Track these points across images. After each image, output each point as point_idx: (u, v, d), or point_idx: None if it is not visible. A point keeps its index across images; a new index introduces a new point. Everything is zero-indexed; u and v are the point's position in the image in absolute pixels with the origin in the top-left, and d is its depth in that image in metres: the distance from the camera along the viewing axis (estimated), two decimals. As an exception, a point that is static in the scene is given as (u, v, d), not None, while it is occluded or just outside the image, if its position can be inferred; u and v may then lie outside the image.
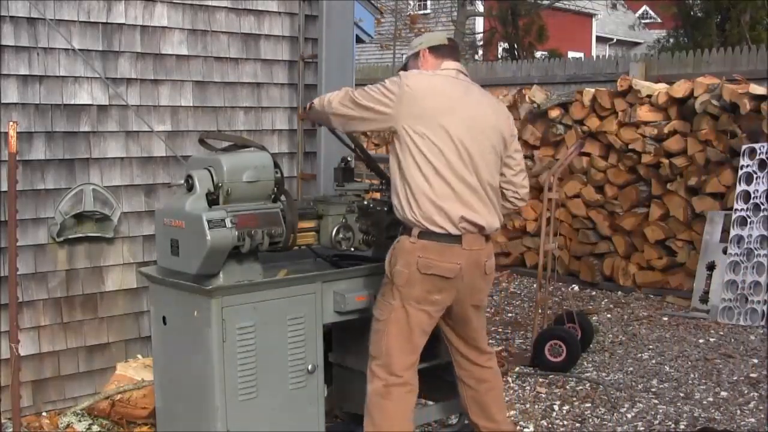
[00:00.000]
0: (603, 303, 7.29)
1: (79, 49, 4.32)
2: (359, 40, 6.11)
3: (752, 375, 5.29)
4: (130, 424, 4.25)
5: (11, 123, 3.76)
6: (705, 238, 6.96)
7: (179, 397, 3.48)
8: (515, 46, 18.69)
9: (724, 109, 7.00)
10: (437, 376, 3.84)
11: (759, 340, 6.06)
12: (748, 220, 6.69)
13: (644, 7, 32.57)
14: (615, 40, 33.37)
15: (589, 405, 4.79)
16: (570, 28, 27.07)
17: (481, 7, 22.46)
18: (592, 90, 7.95)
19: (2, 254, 4.12)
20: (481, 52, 20.93)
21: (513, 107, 8.41)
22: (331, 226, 3.57)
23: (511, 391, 5.01)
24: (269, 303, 3.38)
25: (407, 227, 3.32)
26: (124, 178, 4.55)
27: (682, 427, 4.49)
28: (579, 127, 7.90)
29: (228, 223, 3.16)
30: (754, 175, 6.71)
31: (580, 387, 5.09)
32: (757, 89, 6.89)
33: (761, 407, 4.74)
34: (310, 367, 3.51)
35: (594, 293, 7.61)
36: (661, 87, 7.52)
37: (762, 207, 6.65)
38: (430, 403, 4.05)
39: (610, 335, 6.25)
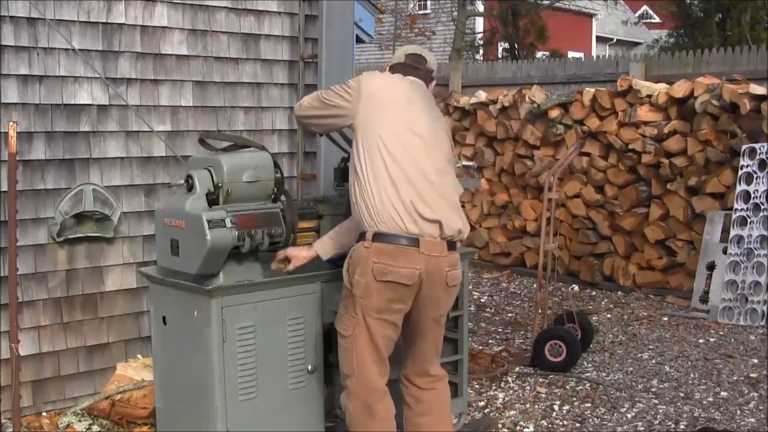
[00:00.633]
0: (603, 303, 7.29)
1: (79, 49, 4.32)
2: (359, 40, 6.11)
3: (752, 375, 5.29)
4: (130, 424, 4.25)
5: (11, 123, 3.76)
6: (705, 238, 6.96)
7: (179, 397, 3.48)
8: (515, 46, 18.69)
9: (724, 109, 7.00)
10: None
11: (759, 340, 6.06)
12: (748, 220, 6.69)
13: (644, 7, 32.57)
14: (615, 40, 33.36)
15: (589, 405, 4.79)
16: (570, 28, 27.07)
17: (481, 7, 22.45)
18: (592, 90, 7.95)
19: (2, 254, 4.12)
20: (481, 52, 20.93)
21: (513, 107, 8.41)
22: (331, 226, 3.57)
23: (511, 391, 5.01)
24: (269, 303, 3.38)
25: (362, 233, 3.19)
26: (124, 178, 4.55)
27: (682, 427, 4.49)
28: (579, 127, 7.90)
29: (228, 223, 3.16)
30: (754, 175, 6.71)
31: (580, 387, 5.09)
32: (757, 89, 6.89)
33: (761, 407, 4.74)
34: (310, 367, 3.52)
35: (594, 293, 7.61)
36: (661, 87, 7.52)
37: (762, 207, 6.65)
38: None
39: (610, 335, 6.25)
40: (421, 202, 3.15)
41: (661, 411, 4.69)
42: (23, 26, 4.17)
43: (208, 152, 3.50)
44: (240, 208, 3.25)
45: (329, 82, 4.87)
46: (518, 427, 4.45)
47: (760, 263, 6.55)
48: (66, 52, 4.30)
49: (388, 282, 3.14)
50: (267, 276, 3.40)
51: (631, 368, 5.45)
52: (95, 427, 4.23)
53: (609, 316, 6.84)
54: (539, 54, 18.82)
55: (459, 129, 8.89)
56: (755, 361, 5.59)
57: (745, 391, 5.00)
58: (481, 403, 4.79)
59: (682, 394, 4.96)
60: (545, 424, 4.52)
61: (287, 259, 3.36)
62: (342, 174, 3.78)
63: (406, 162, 3.17)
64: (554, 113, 8.07)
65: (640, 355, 5.76)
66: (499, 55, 20.17)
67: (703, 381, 5.20)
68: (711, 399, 4.89)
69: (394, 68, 3.45)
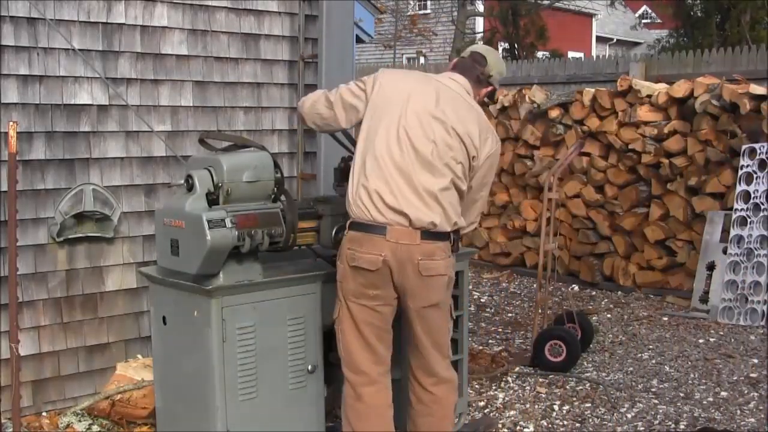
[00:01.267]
0: (603, 303, 7.29)
1: (79, 49, 4.32)
2: (359, 40, 6.11)
3: (752, 375, 5.29)
4: (130, 424, 4.25)
5: (11, 123, 3.76)
6: (705, 238, 6.96)
7: (179, 397, 3.48)
8: (515, 46, 18.69)
9: (724, 109, 7.00)
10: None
11: (759, 340, 6.06)
12: (748, 220, 6.69)
13: (644, 7, 32.58)
14: (615, 40, 33.38)
15: (589, 405, 4.79)
16: (570, 28, 27.07)
17: (481, 7, 22.46)
18: (592, 90, 7.95)
19: (2, 254, 4.12)
20: (481, 52, 20.88)
21: (513, 107, 8.41)
22: (331, 226, 3.57)
23: (511, 391, 5.01)
24: (269, 303, 3.38)
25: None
26: (124, 178, 4.55)
27: (682, 427, 4.49)
28: (579, 127, 7.90)
29: (228, 223, 3.16)
30: (754, 175, 6.71)
31: (580, 387, 5.09)
32: (757, 89, 6.89)
33: (761, 407, 4.74)
34: (310, 367, 3.52)
35: (594, 293, 7.61)
36: (661, 87, 7.52)
37: (762, 207, 6.65)
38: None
39: (610, 335, 6.25)
40: (388, 192, 3.18)
41: (661, 411, 4.69)
42: (23, 26, 4.17)
43: (208, 152, 3.49)
44: (240, 208, 3.25)
45: (329, 82, 4.89)
46: (518, 427, 4.45)
47: (760, 263, 6.55)
48: (66, 52, 4.30)
49: (356, 267, 3.23)
50: (267, 276, 3.40)
51: (631, 368, 5.45)
52: (95, 427, 4.23)
53: (609, 316, 6.84)
54: (539, 54, 18.83)
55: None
56: (755, 361, 5.59)
57: (745, 391, 5.00)
58: (481, 403, 4.79)
59: (682, 394, 4.96)
60: (545, 424, 4.52)
61: None
62: (342, 174, 3.77)
63: (383, 156, 3.20)
64: (554, 113, 8.07)
65: (640, 355, 5.76)
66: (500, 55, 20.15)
67: (703, 381, 5.20)
68: (711, 399, 4.89)
69: (457, 63, 3.50)
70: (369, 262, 3.20)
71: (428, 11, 25.00)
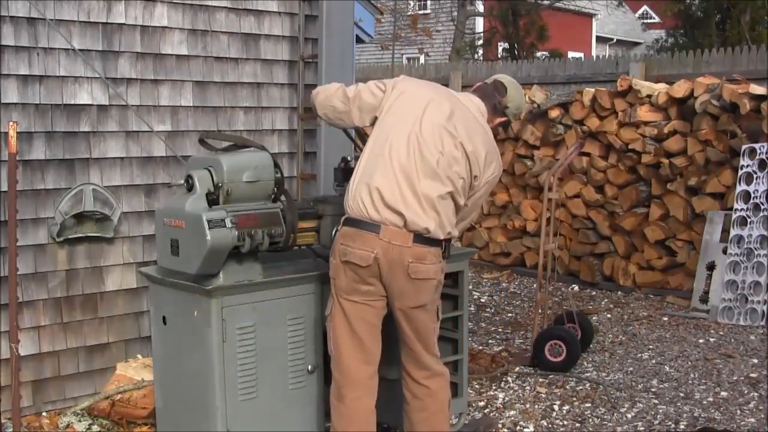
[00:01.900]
0: (603, 303, 7.29)
1: (79, 49, 4.32)
2: (359, 40, 6.10)
3: (752, 375, 5.29)
4: (130, 424, 4.25)
5: (11, 123, 3.76)
6: (705, 238, 6.96)
7: (179, 397, 3.48)
8: (515, 46, 18.69)
9: (724, 109, 7.00)
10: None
11: (759, 340, 6.06)
12: (748, 220, 6.69)
13: (644, 7, 32.58)
14: (615, 40, 33.37)
15: (589, 405, 4.79)
16: (570, 28, 27.08)
17: (481, 7, 22.46)
18: (592, 90, 7.95)
19: (2, 254, 4.12)
20: (481, 52, 20.93)
21: (513, 107, 8.40)
22: (331, 226, 3.57)
23: (511, 391, 5.01)
24: (269, 303, 3.38)
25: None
26: (124, 178, 4.55)
27: (682, 427, 4.49)
28: (579, 127, 7.90)
29: (228, 223, 3.16)
30: (754, 175, 6.71)
31: (580, 387, 5.09)
32: (757, 89, 6.89)
33: (761, 407, 4.74)
34: (310, 367, 3.52)
35: (594, 293, 7.61)
36: (661, 87, 7.52)
37: (762, 207, 6.65)
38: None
39: (610, 335, 6.25)
40: (388, 191, 3.21)
41: (661, 411, 4.69)
42: (23, 26, 4.17)
43: (208, 152, 3.50)
44: (240, 208, 3.25)
45: (329, 82, 4.86)
46: (518, 427, 4.45)
47: (760, 263, 6.54)
48: (66, 52, 4.30)
49: (347, 262, 3.25)
50: (267, 276, 3.40)
51: (631, 368, 5.45)
52: (95, 427, 4.23)
53: (609, 316, 6.84)
54: (539, 54, 18.82)
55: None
56: (755, 361, 5.59)
57: (745, 391, 5.00)
58: (481, 403, 4.79)
59: (682, 394, 4.96)
60: (545, 424, 4.52)
61: None
62: (342, 174, 3.78)
63: (390, 157, 3.23)
64: (554, 113, 8.07)
65: (640, 355, 5.76)
66: (499, 55, 20.17)
67: (703, 381, 5.20)
68: (711, 399, 4.89)
69: (479, 86, 3.58)
70: (360, 258, 3.22)
71: (428, 11, 25.00)
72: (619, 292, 7.53)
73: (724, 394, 4.97)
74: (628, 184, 7.62)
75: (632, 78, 7.97)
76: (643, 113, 7.44)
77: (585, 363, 5.54)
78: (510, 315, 6.95)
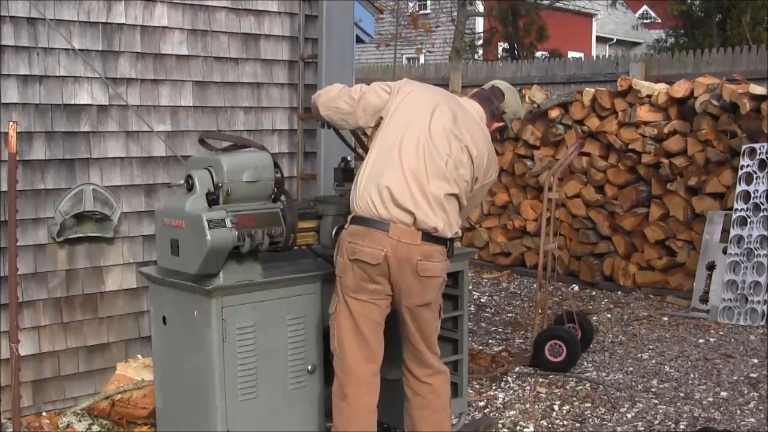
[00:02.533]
0: (603, 303, 7.29)
1: (79, 49, 4.32)
2: (359, 40, 6.11)
3: (752, 375, 5.29)
4: (130, 424, 4.25)
5: (11, 123, 3.76)
6: (705, 238, 6.96)
7: (179, 397, 3.48)
8: (515, 46, 18.69)
9: (724, 109, 7.00)
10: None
11: (759, 340, 6.06)
12: (748, 220, 6.69)
13: (644, 7, 32.58)
14: (615, 40, 33.38)
15: (589, 405, 4.79)
16: (570, 28, 27.08)
17: (481, 7, 22.47)
18: (592, 90, 7.95)
19: (2, 254, 4.12)
20: (481, 52, 20.94)
21: (513, 107, 8.40)
22: (331, 226, 3.57)
23: (511, 391, 5.01)
24: (269, 303, 3.38)
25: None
26: (124, 178, 4.55)
27: (682, 427, 4.49)
28: (579, 127, 7.90)
29: (228, 223, 3.16)
30: (754, 175, 6.71)
31: (580, 387, 5.09)
32: (757, 89, 6.89)
33: (761, 407, 4.74)
34: (310, 367, 3.52)
35: (594, 293, 7.61)
36: (661, 87, 7.52)
37: (762, 207, 6.65)
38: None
39: (610, 335, 6.25)
40: (398, 190, 3.23)
41: (661, 411, 4.69)
42: (23, 26, 4.17)
43: (208, 152, 3.50)
44: (240, 208, 3.25)
45: (329, 82, 4.86)
46: (518, 427, 4.45)
47: (760, 263, 6.55)
48: (66, 52, 4.30)
49: (356, 260, 3.25)
50: (267, 276, 3.40)
51: (631, 368, 5.45)
52: (95, 427, 4.23)
53: (609, 316, 6.84)
54: (539, 54, 18.83)
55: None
56: (755, 361, 5.59)
57: (745, 391, 5.00)
58: (481, 403, 4.79)
59: (682, 394, 4.96)
60: (545, 424, 4.52)
61: None
62: (342, 174, 3.78)
63: (400, 159, 3.26)
64: (554, 113, 8.07)
65: (640, 355, 5.76)
66: (499, 55, 20.17)
67: (703, 381, 5.20)
68: (711, 399, 4.89)
69: (477, 92, 3.62)
70: (370, 256, 3.23)
71: (428, 11, 25.00)
72: (619, 292, 7.54)
73: (724, 394, 4.97)
74: (628, 184, 7.62)
75: (632, 78, 7.98)
76: (643, 113, 7.44)
77: (585, 363, 5.54)
78: (510, 315, 6.95)
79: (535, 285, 7.06)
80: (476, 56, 20.40)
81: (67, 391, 4.45)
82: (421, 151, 3.26)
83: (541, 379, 5.19)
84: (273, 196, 3.40)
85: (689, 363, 5.57)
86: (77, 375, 4.48)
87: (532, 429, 4.44)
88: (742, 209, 6.73)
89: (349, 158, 3.85)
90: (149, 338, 3.92)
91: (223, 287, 3.23)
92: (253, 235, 3.23)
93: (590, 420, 4.58)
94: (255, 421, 3.35)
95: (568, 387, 5.09)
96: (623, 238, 7.58)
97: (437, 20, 22.89)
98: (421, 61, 22.82)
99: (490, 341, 6.13)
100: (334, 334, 3.36)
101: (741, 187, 6.76)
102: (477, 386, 5.04)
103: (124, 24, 4.49)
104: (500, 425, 4.47)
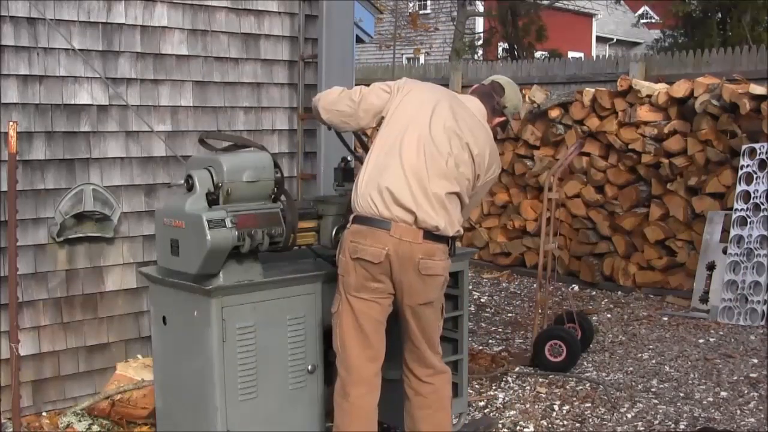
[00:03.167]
0: (603, 303, 7.29)
1: (79, 49, 4.32)
2: (359, 40, 6.11)
3: (752, 375, 5.29)
4: (130, 424, 4.25)
5: (11, 123, 3.76)
6: (705, 238, 6.96)
7: (179, 397, 3.48)
8: (515, 46, 18.68)
9: (724, 109, 7.00)
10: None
11: (759, 340, 6.06)
12: (748, 220, 6.69)
13: (644, 7, 32.58)
14: (615, 40, 33.38)
15: (589, 405, 4.79)
16: (570, 28, 27.08)
17: (481, 7, 22.47)
18: (592, 90, 7.95)
19: (2, 254, 4.12)
20: (481, 52, 20.94)
21: (513, 107, 8.40)
22: (331, 226, 3.57)
23: (511, 391, 5.01)
24: (269, 303, 3.38)
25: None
26: (124, 178, 4.55)
27: (682, 427, 4.49)
28: (579, 127, 7.90)
29: (228, 223, 3.16)
30: (754, 175, 6.71)
31: (580, 387, 5.09)
32: (757, 89, 6.89)
33: (761, 407, 4.74)
34: (310, 367, 3.52)
35: (594, 293, 7.61)
36: (661, 87, 7.52)
37: (762, 207, 6.65)
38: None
39: (610, 335, 6.25)
40: (399, 190, 3.23)
41: (661, 411, 4.69)
42: (23, 26, 4.17)
43: (208, 152, 3.49)
44: (240, 208, 3.25)
45: (329, 82, 4.88)
46: (518, 427, 4.45)
47: (760, 263, 6.55)
48: (66, 52, 4.30)
49: (358, 259, 3.26)
50: (267, 276, 3.40)
51: (631, 368, 5.45)
52: (95, 427, 4.23)
53: (609, 316, 6.84)
54: (539, 54, 18.83)
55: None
56: (755, 361, 5.59)
57: (745, 391, 5.00)
58: (481, 403, 4.79)
59: (682, 394, 4.96)
60: (545, 424, 4.52)
61: None
62: (342, 174, 3.78)
63: (400, 158, 3.26)
64: (554, 113, 8.07)
65: (640, 355, 5.76)
66: (499, 55, 20.17)
67: (703, 381, 5.20)
68: (711, 399, 4.89)
69: (476, 88, 3.63)
70: (372, 255, 3.23)
71: (428, 11, 25.00)
72: (619, 292, 7.54)
73: (724, 394, 4.97)
74: (628, 184, 7.62)
75: (632, 78, 7.98)
76: (643, 113, 7.44)
77: (585, 363, 5.54)
78: (510, 315, 6.95)
79: (535, 285, 7.06)
80: (476, 56, 20.40)
81: (67, 391, 4.44)
82: (421, 149, 3.27)
83: (541, 379, 5.19)
84: (273, 196, 3.40)
85: (689, 363, 5.57)
86: (77, 375, 4.47)
87: (532, 429, 4.44)
88: (742, 209, 6.73)
89: (349, 158, 3.85)
90: (149, 338, 3.92)
91: (223, 287, 3.23)
92: (253, 235, 3.23)
93: (590, 420, 4.58)
94: (255, 421, 3.35)
95: (568, 387, 5.09)
96: (623, 238, 7.58)
97: (437, 20, 22.89)
98: (421, 61, 22.83)
99: (490, 341, 6.13)
100: (337, 333, 3.37)
101: (741, 187, 6.76)
102: (477, 386, 5.04)
103: (124, 24, 4.49)
104: (500, 425, 4.47)
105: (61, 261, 4.37)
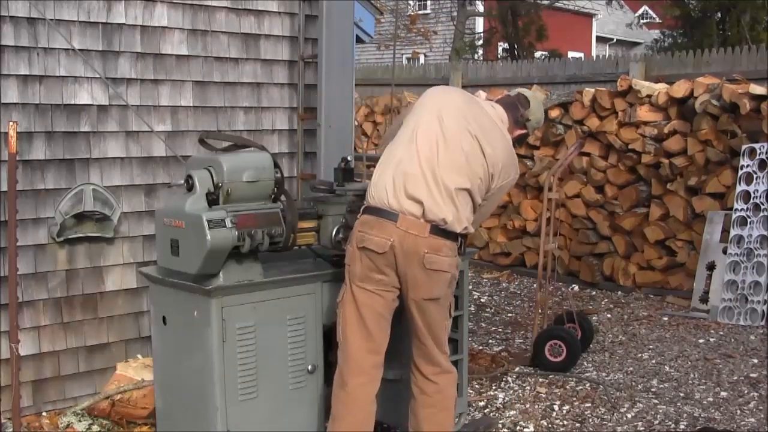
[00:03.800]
0: (603, 303, 7.29)
1: (79, 49, 4.32)
2: (359, 40, 6.10)
3: (752, 375, 5.29)
4: (130, 424, 4.25)
5: (11, 123, 3.76)
6: (705, 238, 6.96)
7: (179, 397, 3.48)
8: (515, 46, 18.67)
9: (724, 109, 7.00)
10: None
11: (759, 340, 6.06)
12: (748, 220, 6.69)
13: (644, 7, 32.57)
14: (615, 40, 33.38)
15: (589, 405, 4.79)
16: (570, 28, 27.07)
17: (481, 7, 22.45)
18: (592, 90, 7.95)
19: (2, 254, 4.12)
20: (481, 52, 20.93)
21: (513, 107, 8.40)
22: (331, 226, 3.58)
23: (511, 391, 5.01)
24: (269, 303, 3.38)
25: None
26: (124, 178, 4.54)
27: (682, 427, 4.49)
28: (579, 127, 7.90)
29: (228, 223, 3.16)
30: (754, 175, 6.71)
31: (580, 387, 5.09)
32: (757, 89, 6.89)
33: (761, 407, 4.74)
34: (310, 367, 3.52)
35: (594, 293, 7.61)
36: (661, 87, 7.52)
37: (762, 207, 6.65)
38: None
39: (610, 335, 6.25)
40: (412, 179, 3.29)
41: (661, 411, 4.69)
42: (23, 26, 4.17)
43: (208, 152, 3.49)
44: (240, 208, 3.25)
45: (329, 82, 4.89)
46: (518, 427, 4.45)
47: (760, 263, 6.55)
48: (66, 52, 4.30)
49: (364, 249, 3.29)
50: (267, 276, 3.40)
51: (631, 368, 5.45)
52: (95, 427, 4.23)
53: (609, 316, 6.84)
54: (539, 54, 18.81)
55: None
56: (755, 361, 5.59)
57: (745, 391, 5.00)
58: (481, 403, 4.79)
59: (682, 394, 4.96)
60: (545, 424, 4.52)
61: None
62: (342, 174, 3.78)
63: (416, 151, 3.32)
64: (554, 113, 8.07)
65: (640, 355, 5.76)
66: (499, 55, 20.16)
67: (703, 381, 5.20)
68: (711, 399, 4.89)
69: (502, 98, 3.74)
70: (377, 245, 3.26)
71: (428, 11, 25.00)
72: (619, 292, 7.54)
73: (724, 394, 4.97)
74: (628, 184, 7.62)
75: (632, 78, 7.98)
76: (643, 113, 7.44)
77: (585, 363, 5.54)
78: (510, 315, 6.95)
79: (535, 285, 7.06)
80: (476, 56, 20.39)
81: (67, 391, 4.44)
82: (435, 144, 3.32)
83: (541, 379, 5.19)
84: (273, 196, 3.40)
85: (689, 363, 5.57)
86: (77, 375, 4.47)
87: (532, 429, 4.44)
88: (742, 209, 6.73)
89: (349, 158, 3.85)
90: (149, 338, 3.92)
91: (223, 287, 3.23)
92: (253, 235, 3.23)
93: (590, 420, 4.58)
94: (255, 421, 3.35)
95: (568, 387, 5.09)
96: (623, 238, 7.58)
97: (437, 20, 22.89)
98: (421, 61, 22.82)
99: (490, 341, 6.13)
100: (340, 322, 3.39)
101: (741, 187, 6.76)
102: (477, 386, 5.04)
103: (124, 24, 4.49)
104: (500, 425, 4.47)
105: (61, 261, 4.37)
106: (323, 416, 3.58)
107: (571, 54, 21.12)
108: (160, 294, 3.48)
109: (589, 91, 7.90)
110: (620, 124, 7.60)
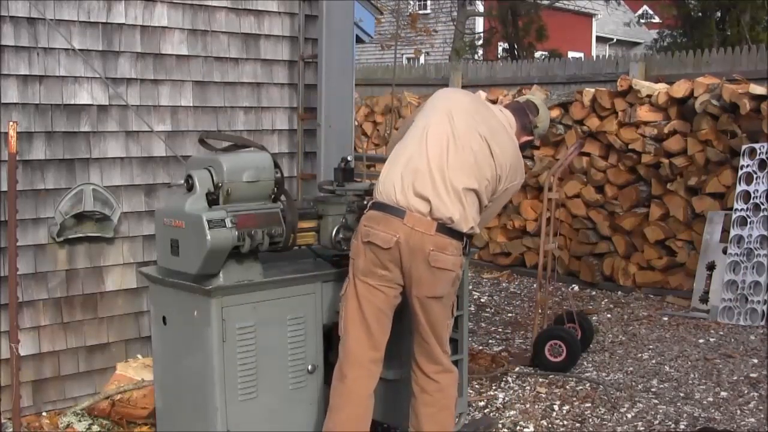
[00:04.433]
0: (603, 303, 7.29)
1: (79, 49, 4.32)
2: (359, 40, 6.10)
3: (752, 375, 5.29)
4: (130, 424, 4.25)
5: (11, 123, 3.76)
6: (705, 238, 6.96)
7: (179, 397, 3.48)
8: (515, 46, 18.67)
9: (724, 109, 7.00)
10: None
11: (759, 340, 6.06)
12: (748, 220, 6.69)
13: (644, 7, 32.57)
14: (615, 40, 33.38)
15: (589, 405, 4.79)
16: (570, 28, 27.07)
17: (481, 7, 22.46)
18: (592, 90, 7.95)
19: (2, 254, 4.12)
20: (481, 52, 20.93)
21: (513, 107, 8.40)
22: (331, 226, 3.58)
23: (511, 391, 5.01)
24: (269, 303, 3.38)
25: None
26: (124, 178, 4.55)
27: (682, 427, 4.49)
28: (579, 127, 7.90)
29: (228, 223, 3.16)
30: (754, 175, 6.71)
31: (580, 387, 5.09)
32: (757, 89, 6.89)
33: (761, 407, 4.74)
34: (310, 367, 3.52)
35: (594, 293, 7.61)
36: (661, 87, 7.52)
37: (762, 207, 6.65)
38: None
39: (610, 335, 6.25)
40: (420, 176, 3.31)
41: (661, 411, 4.69)
42: (23, 26, 4.17)
43: (208, 152, 3.50)
44: (240, 208, 3.25)
45: (329, 82, 4.89)
46: (518, 427, 4.45)
47: (760, 263, 6.55)
48: (66, 52, 4.30)
49: (369, 243, 3.31)
50: (267, 276, 3.40)
51: (631, 368, 5.45)
52: (95, 427, 4.23)
53: (609, 316, 6.84)
54: (539, 54, 18.81)
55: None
56: (755, 361, 5.59)
57: (745, 391, 5.00)
58: (481, 403, 4.79)
59: (682, 394, 4.96)
60: (545, 424, 4.52)
61: None
62: (342, 174, 3.78)
63: (425, 150, 3.35)
64: (554, 113, 8.06)
65: (640, 355, 5.76)
66: (499, 55, 20.16)
67: (703, 381, 5.20)
68: (711, 399, 4.89)
69: (511, 103, 3.77)
70: (383, 240, 3.28)
71: (428, 11, 25.00)
72: (619, 292, 7.54)
73: (724, 394, 4.97)
74: (628, 184, 7.62)
75: (632, 78, 7.97)
76: (643, 113, 7.44)
77: (585, 363, 5.54)
78: (510, 315, 6.95)
79: (535, 285, 7.06)
80: (476, 56, 20.38)
81: (67, 391, 4.44)
82: (445, 144, 3.34)
83: (541, 379, 5.19)
84: (273, 196, 3.40)
85: (689, 363, 5.57)
86: (77, 375, 4.48)
87: (532, 429, 4.44)
88: (742, 209, 6.73)
89: (349, 158, 3.85)
90: (149, 338, 3.92)
91: (223, 287, 3.23)
92: (253, 235, 3.23)
93: (590, 420, 4.58)
94: (255, 421, 3.35)
95: (568, 387, 5.09)
96: (623, 238, 7.58)
97: (437, 20, 22.88)
98: (421, 61, 22.82)
99: (490, 341, 6.13)
100: (342, 316, 3.40)
101: (741, 187, 6.76)
102: (477, 386, 5.04)
103: (124, 24, 4.49)
104: (500, 425, 4.47)
105: (61, 261, 4.37)
106: (323, 416, 3.57)
107: (571, 54, 21.12)
108: (160, 294, 3.48)
109: (589, 91, 7.90)
110: (620, 124, 7.60)
